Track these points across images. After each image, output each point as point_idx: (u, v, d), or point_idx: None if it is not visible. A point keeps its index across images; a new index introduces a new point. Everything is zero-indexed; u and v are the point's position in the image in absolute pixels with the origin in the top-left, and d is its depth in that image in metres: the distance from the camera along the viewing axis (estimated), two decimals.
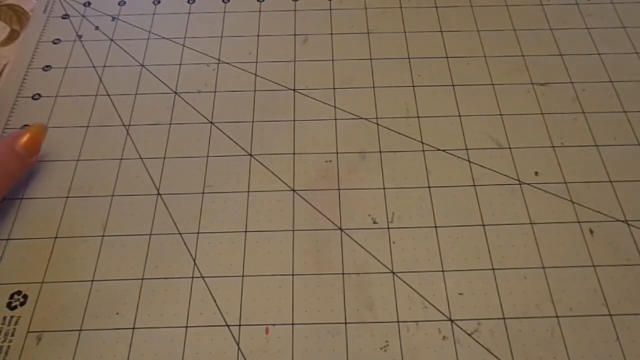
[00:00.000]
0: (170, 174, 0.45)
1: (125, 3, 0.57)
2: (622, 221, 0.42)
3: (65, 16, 0.56)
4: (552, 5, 0.56)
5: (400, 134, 0.47)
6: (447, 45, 0.53)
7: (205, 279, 0.40)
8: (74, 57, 0.53)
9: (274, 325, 0.38)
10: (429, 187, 0.44)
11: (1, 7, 0.58)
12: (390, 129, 0.47)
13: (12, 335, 0.37)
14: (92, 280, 0.40)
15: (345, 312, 0.38)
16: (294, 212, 0.43)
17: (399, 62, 0.52)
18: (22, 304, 0.39)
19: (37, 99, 0.50)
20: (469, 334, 0.37)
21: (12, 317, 0.38)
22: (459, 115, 0.48)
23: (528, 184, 0.44)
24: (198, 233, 0.42)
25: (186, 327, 0.38)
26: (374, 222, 0.42)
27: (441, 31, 0.54)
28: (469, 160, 0.45)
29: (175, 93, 0.50)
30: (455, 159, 0.45)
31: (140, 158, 0.46)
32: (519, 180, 0.44)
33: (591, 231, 0.41)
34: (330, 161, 0.45)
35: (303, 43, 0.53)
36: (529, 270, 0.40)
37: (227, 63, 0.52)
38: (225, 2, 0.57)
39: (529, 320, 0.38)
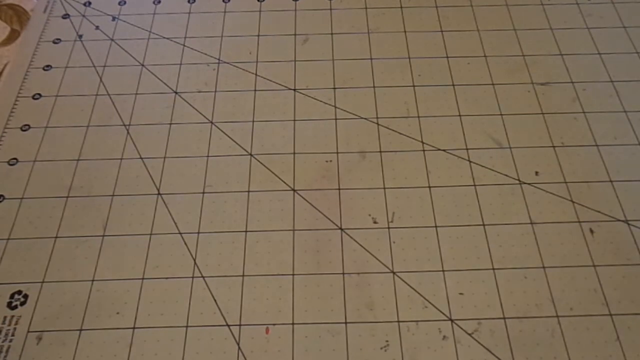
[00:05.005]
0: (170, 174, 0.45)
1: (125, 3, 0.57)
2: (623, 221, 0.42)
3: (66, 16, 0.56)
4: (553, 5, 0.56)
5: (400, 133, 0.47)
6: (447, 45, 0.53)
7: (206, 278, 0.40)
8: (75, 57, 0.53)
9: (274, 325, 0.38)
10: (429, 187, 0.44)
11: (1, 7, 0.58)
12: (390, 129, 0.47)
13: (13, 335, 0.37)
14: (93, 280, 0.40)
15: (346, 311, 0.38)
16: (294, 212, 0.43)
17: (399, 62, 0.52)
18: (22, 303, 0.39)
19: (37, 98, 0.50)
20: (469, 334, 0.37)
21: (12, 316, 0.38)
22: (459, 115, 0.48)
23: (528, 183, 0.44)
24: (198, 233, 0.42)
25: (186, 327, 0.38)
26: (374, 222, 0.42)
27: (441, 31, 0.54)
28: (469, 160, 0.45)
29: (176, 93, 0.50)
30: (455, 159, 0.45)
31: (141, 158, 0.46)
32: (519, 180, 0.44)
33: (591, 231, 0.41)
34: (330, 161, 0.45)
35: (303, 43, 0.53)
36: (529, 270, 0.40)
37: (227, 63, 0.52)
38: (225, 2, 0.57)
39: (529, 320, 0.38)
